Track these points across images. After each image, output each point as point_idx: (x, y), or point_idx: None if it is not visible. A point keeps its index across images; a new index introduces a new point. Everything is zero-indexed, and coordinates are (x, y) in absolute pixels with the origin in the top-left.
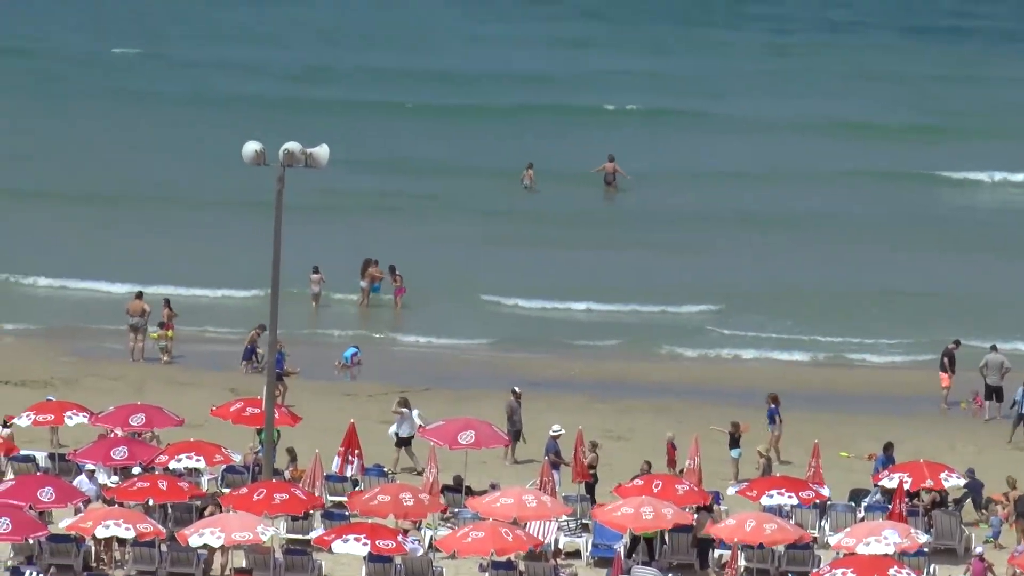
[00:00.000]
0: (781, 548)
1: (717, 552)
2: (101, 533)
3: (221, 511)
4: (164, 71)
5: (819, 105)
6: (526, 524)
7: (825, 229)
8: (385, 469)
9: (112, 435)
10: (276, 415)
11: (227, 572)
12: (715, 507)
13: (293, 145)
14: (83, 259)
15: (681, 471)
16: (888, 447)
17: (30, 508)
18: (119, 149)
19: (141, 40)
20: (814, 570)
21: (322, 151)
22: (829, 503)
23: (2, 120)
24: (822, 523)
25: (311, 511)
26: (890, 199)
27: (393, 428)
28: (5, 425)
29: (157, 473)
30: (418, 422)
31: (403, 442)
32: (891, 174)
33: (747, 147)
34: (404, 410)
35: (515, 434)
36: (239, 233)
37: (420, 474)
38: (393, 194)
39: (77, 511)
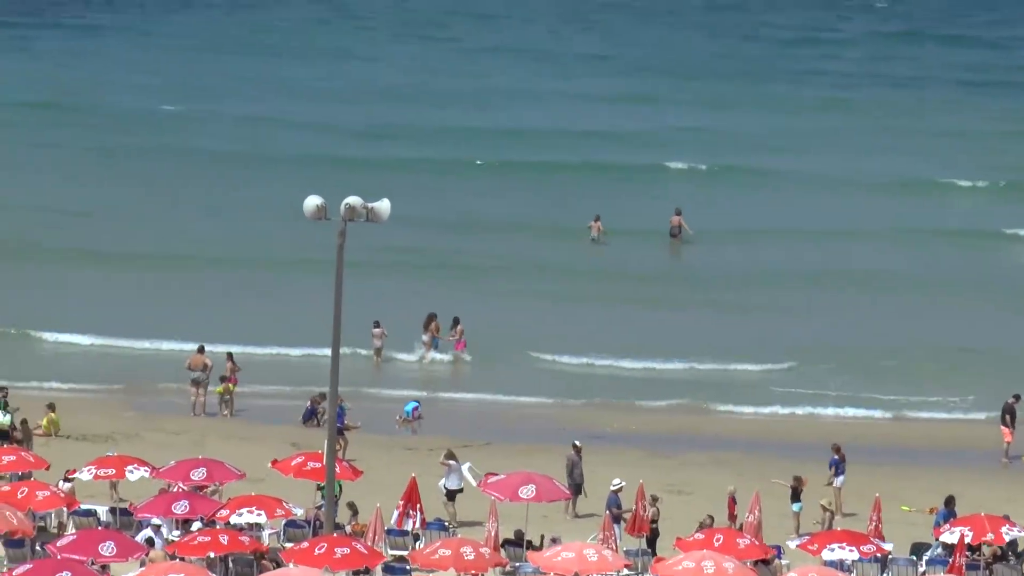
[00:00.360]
0: None
1: None
2: None
3: (281, 566)
4: (225, 129)
5: (881, 162)
6: None
7: (886, 286)
8: (446, 523)
9: (174, 489)
10: (337, 469)
11: None
12: (776, 561)
13: (354, 199)
14: (144, 318)
15: (742, 525)
16: (949, 501)
17: (91, 563)
18: (178, 207)
19: (200, 98)
20: None
21: (383, 205)
22: (890, 557)
23: (59, 177)
24: None
25: (372, 566)
26: (951, 256)
27: (442, 481)
28: (67, 479)
29: (218, 527)
30: (468, 475)
31: (451, 495)
32: (953, 232)
33: (809, 204)
34: (451, 462)
35: (576, 488)
36: (301, 290)
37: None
38: (457, 251)
39: (142, 563)
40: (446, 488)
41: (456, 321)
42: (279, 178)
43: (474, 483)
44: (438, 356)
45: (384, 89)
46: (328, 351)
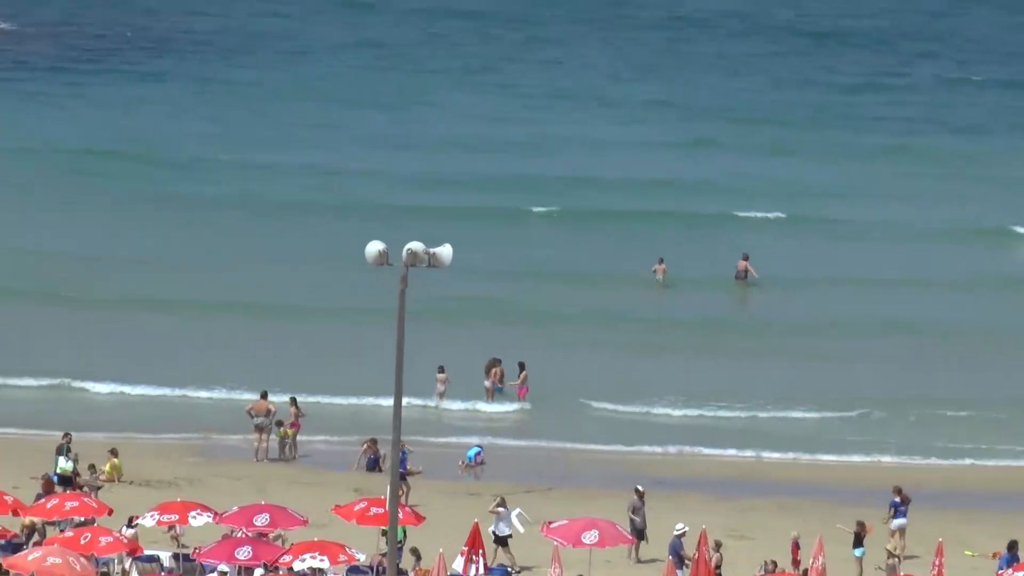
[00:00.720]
0: None
1: None
2: None
3: None
4: (284, 177)
5: (947, 209)
6: None
7: (952, 335)
8: (509, 568)
9: (237, 535)
10: (400, 515)
11: None
12: None
13: (416, 245)
14: (206, 366)
15: (805, 571)
16: (1013, 545)
17: None
18: (238, 255)
19: (259, 146)
20: None
21: (445, 251)
22: None
23: (117, 225)
24: None
25: None
26: (1019, 306)
27: (491, 527)
28: (130, 525)
29: (281, 573)
30: (516, 522)
31: (501, 541)
32: (1020, 280)
33: (874, 252)
34: (501, 509)
35: (638, 533)
36: (363, 338)
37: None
38: (518, 299)
39: None
40: (495, 535)
41: (522, 366)
42: (338, 226)
43: (522, 530)
44: (501, 402)
45: (443, 136)
46: (391, 400)
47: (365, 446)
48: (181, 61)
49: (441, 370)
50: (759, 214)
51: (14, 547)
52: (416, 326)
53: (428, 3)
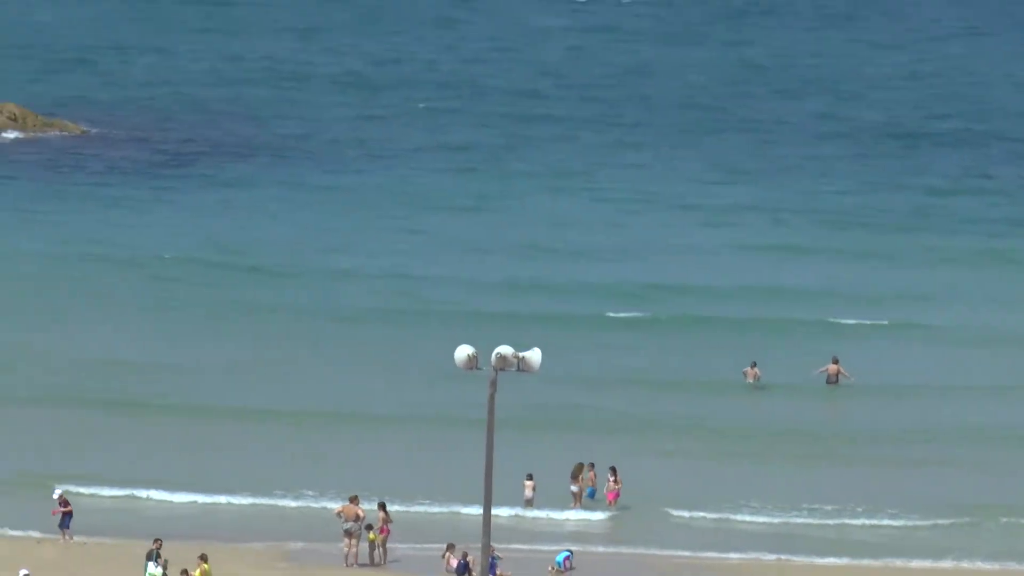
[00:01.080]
0: None
1: None
2: None
3: None
4: (366, 284)
5: None
6: None
7: None
8: None
9: None
10: None
11: None
12: None
13: (505, 349)
14: (296, 474)
15: None
16: None
17: None
18: (325, 363)
19: (340, 251)
20: None
21: (534, 355)
22: None
23: (200, 332)
24: None
25: None
26: None
27: None
28: None
29: None
30: None
31: None
32: None
33: (968, 358)
34: None
35: None
36: (449, 445)
37: None
38: (606, 405)
39: None
40: None
41: (612, 471)
42: (421, 332)
43: None
44: (589, 508)
45: (527, 240)
46: (479, 507)
47: (447, 553)
48: (265, 166)
49: (529, 477)
50: (851, 320)
51: None
52: (503, 432)
53: (512, 107)
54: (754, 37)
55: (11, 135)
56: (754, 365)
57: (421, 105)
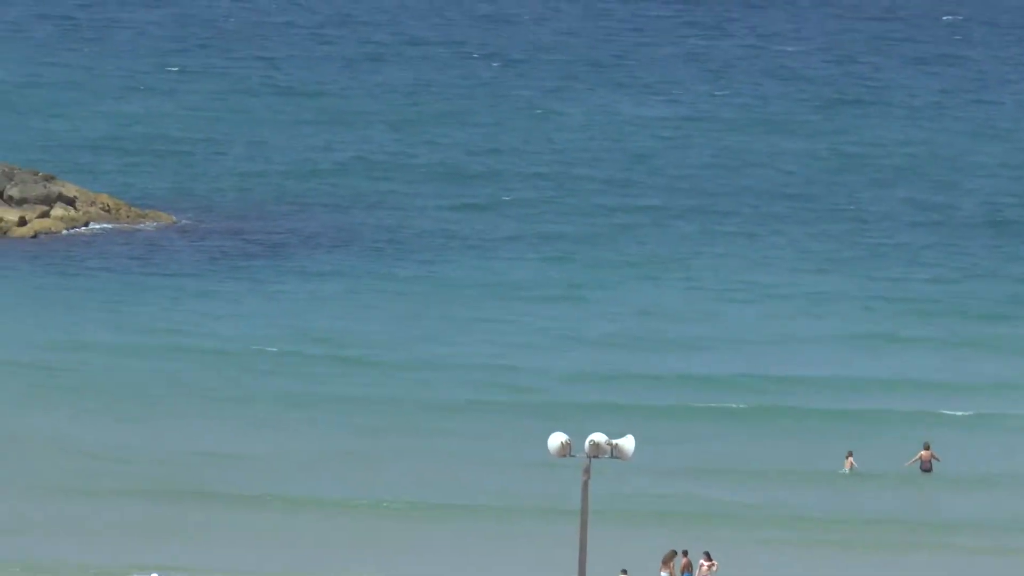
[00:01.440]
0: None
1: None
2: None
3: None
4: (453, 376)
5: None
6: None
7: None
8: None
9: None
10: None
11: None
12: None
13: (599, 436)
14: (382, 564)
15: None
16: None
17: None
18: (414, 456)
19: (430, 342)
20: None
21: (628, 442)
22: None
23: (289, 425)
24: None
25: None
26: None
27: None
28: None
29: None
30: None
31: None
32: None
33: None
34: None
35: None
36: (544, 538)
37: None
38: (701, 495)
39: None
40: None
41: (707, 556)
42: (515, 423)
43: None
44: None
45: (621, 331)
46: None
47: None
48: (356, 256)
49: (624, 572)
50: (945, 410)
51: None
52: (597, 524)
53: (605, 196)
54: (847, 126)
55: (104, 226)
56: (850, 454)
57: (507, 198)
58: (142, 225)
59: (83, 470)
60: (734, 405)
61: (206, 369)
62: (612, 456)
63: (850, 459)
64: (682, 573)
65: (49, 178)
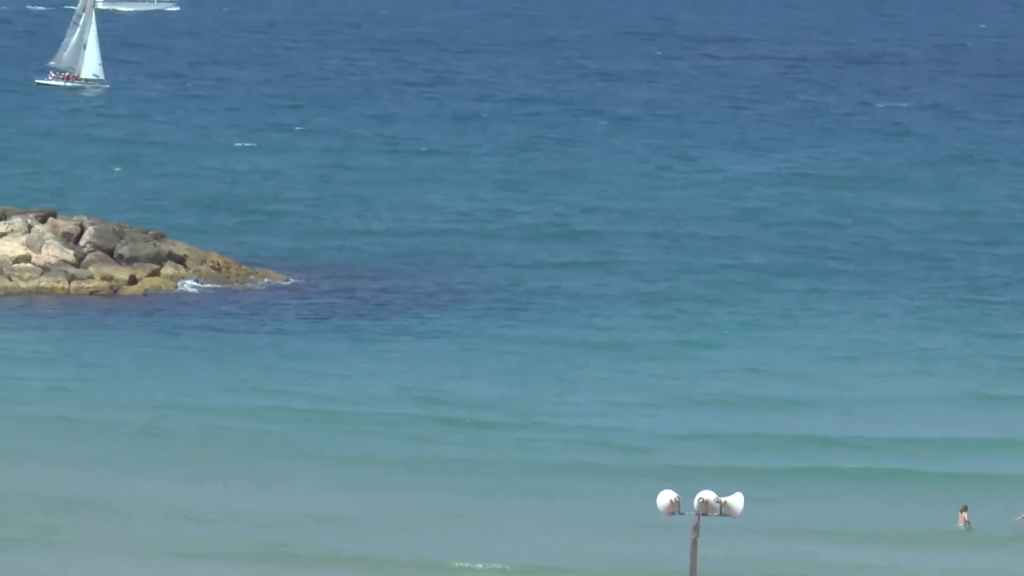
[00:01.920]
0: None
1: None
2: None
3: None
4: (554, 437)
5: None
6: None
7: None
8: None
9: None
10: None
11: None
12: None
13: (707, 493)
14: None
15: None
16: None
17: None
18: (521, 516)
19: (538, 404)
20: None
21: (737, 500)
22: None
23: (390, 488)
24: None
25: None
26: None
27: None
28: None
29: None
30: None
31: None
32: None
33: None
34: None
35: None
36: None
37: None
38: (811, 557)
39: None
40: None
41: None
42: (622, 484)
43: None
44: None
45: (730, 391)
46: None
47: None
48: (463, 317)
49: None
50: None
51: None
52: None
53: (712, 255)
54: (959, 183)
55: (214, 285)
56: (964, 509)
57: (615, 256)
58: (251, 283)
59: (188, 533)
60: (844, 465)
61: (311, 430)
62: (721, 514)
63: (964, 514)
64: None
65: (159, 236)
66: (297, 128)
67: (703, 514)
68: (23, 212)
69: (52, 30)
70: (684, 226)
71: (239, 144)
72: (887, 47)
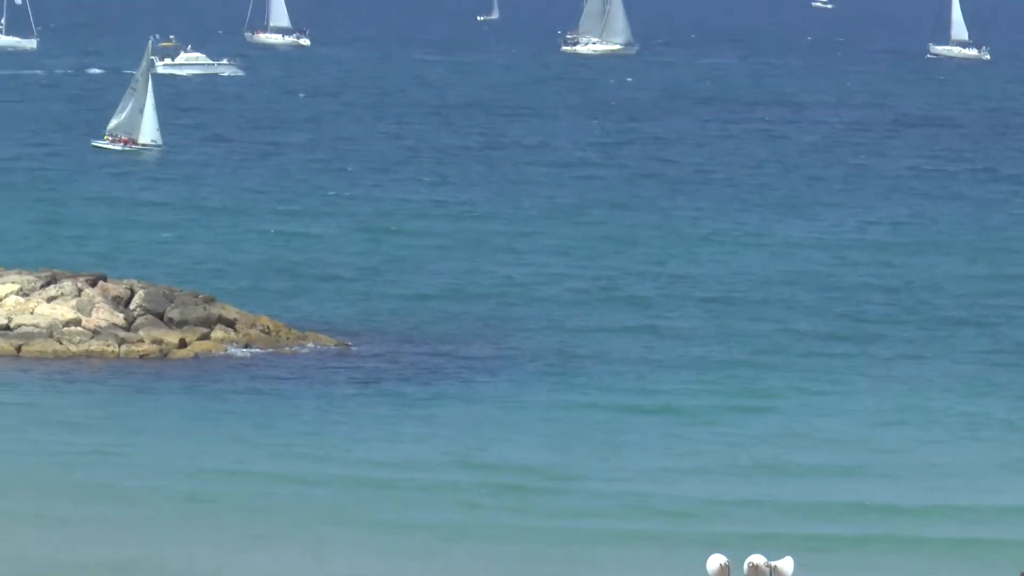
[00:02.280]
0: None
1: None
2: None
3: None
4: (612, 499)
5: None
6: None
7: None
8: None
9: None
10: None
11: None
12: None
13: (757, 558)
14: None
15: None
16: None
17: None
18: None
19: (591, 471)
20: None
21: (787, 564)
22: None
23: (446, 556)
24: None
25: None
26: None
27: None
28: None
29: None
30: None
31: None
32: None
33: None
34: None
35: None
36: None
37: None
38: None
39: None
40: None
41: None
42: (667, 553)
43: None
44: None
45: (776, 457)
46: None
47: None
48: (513, 383)
49: None
50: None
51: None
52: None
53: (764, 322)
54: (1009, 247)
55: (263, 349)
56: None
57: (667, 322)
58: (300, 347)
59: None
60: (896, 532)
61: (359, 495)
62: None
63: None
64: None
65: (209, 300)
66: (347, 193)
67: None
68: (73, 276)
69: (104, 94)
70: (734, 290)
71: (288, 208)
72: (938, 111)
